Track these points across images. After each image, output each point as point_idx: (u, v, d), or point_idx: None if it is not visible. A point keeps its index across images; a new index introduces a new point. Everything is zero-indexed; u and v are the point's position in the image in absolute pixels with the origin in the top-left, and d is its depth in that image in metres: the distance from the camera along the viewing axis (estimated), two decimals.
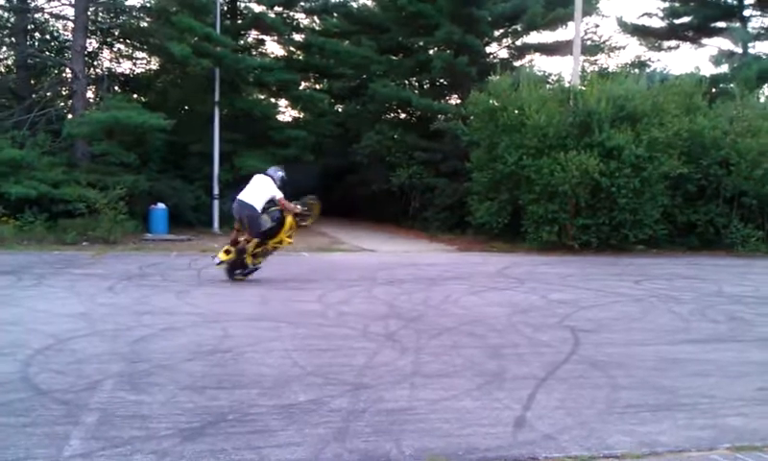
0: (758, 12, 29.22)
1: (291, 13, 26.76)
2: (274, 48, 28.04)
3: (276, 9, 25.47)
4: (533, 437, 4.56)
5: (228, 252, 11.13)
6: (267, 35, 26.77)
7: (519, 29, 25.54)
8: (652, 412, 5.08)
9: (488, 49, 25.98)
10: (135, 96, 24.19)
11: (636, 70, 25.20)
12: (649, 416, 4.99)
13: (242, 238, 11.07)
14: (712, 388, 5.74)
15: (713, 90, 23.12)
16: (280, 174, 11.67)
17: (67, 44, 23.00)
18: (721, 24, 29.26)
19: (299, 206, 11.57)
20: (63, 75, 23.64)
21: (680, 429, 4.76)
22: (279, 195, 11.26)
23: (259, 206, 11.08)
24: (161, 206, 19.44)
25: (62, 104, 23.26)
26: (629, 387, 5.67)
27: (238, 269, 11.22)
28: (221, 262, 11.15)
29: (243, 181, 21.77)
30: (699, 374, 6.19)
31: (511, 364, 6.32)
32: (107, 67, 25.19)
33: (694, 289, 11.53)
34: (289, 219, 11.40)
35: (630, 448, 4.42)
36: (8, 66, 24.51)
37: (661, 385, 5.76)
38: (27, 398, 5.09)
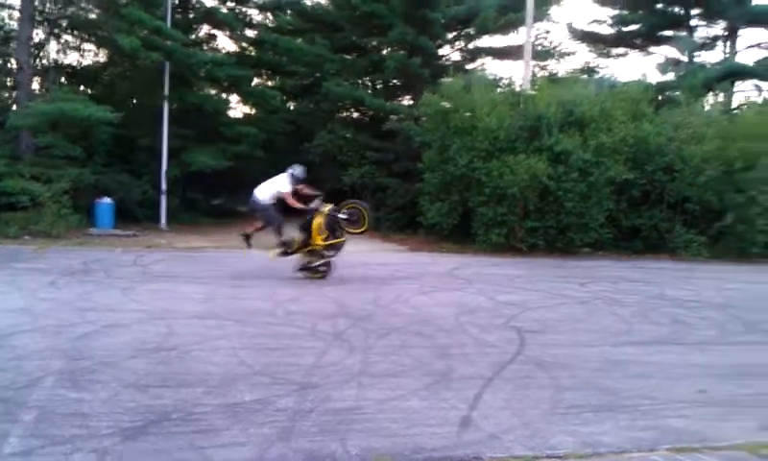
0: (704, 22, 30.01)
1: (244, 9, 26.46)
2: (226, 43, 27.68)
3: (229, 4, 25.19)
4: (478, 437, 4.62)
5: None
6: (219, 29, 26.42)
7: (472, 32, 25.69)
8: (595, 413, 5.18)
9: (441, 51, 26.10)
10: (82, 88, 23.64)
11: (585, 76, 25.61)
12: (592, 417, 5.09)
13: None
14: (654, 390, 5.87)
15: (660, 98, 23.63)
16: (294, 171, 11.99)
17: (13, 34, 22.36)
18: (668, 33, 29.93)
19: (298, 205, 11.62)
20: (8, 66, 22.99)
21: (622, 430, 4.87)
22: (285, 190, 11.63)
23: (262, 199, 11.66)
24: (107, 200, 19.02)
25: (7, 95, 22.61)
26: (573, 388, 5.77)
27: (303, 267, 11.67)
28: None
29: (191, 176, 21.81)
30: (641, 375, 6.33)
31: (458, 364, 6.37)
32: (53, 59, 24.55)
33: (638, 292, 11.77)
34: (317, 220, 11.42)
35: (572, 448, 4.50)
36: None
37: (604, 386, 5.87)
38: None
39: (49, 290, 9.56)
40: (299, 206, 11.59)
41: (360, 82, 26.74)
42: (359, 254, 16.17)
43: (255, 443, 4.34)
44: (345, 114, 27.53)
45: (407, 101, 26.06)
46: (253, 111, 27.36)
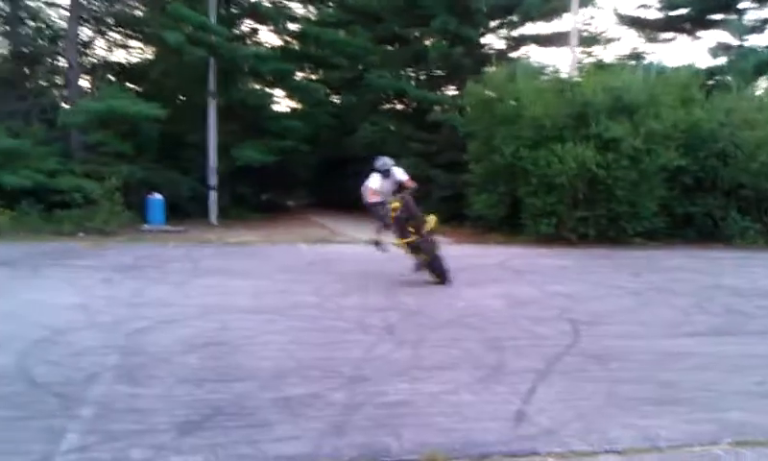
0: (754, 5, 29.17)
1: (286, 3, 26.63)
2: (269, 38, 27.89)
3: None
4: (533, 431, 4.55)
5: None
6: (262, 24, 26.61)
7: (515, 20, 25.42)
8: (653, 406, 5.06)
9: (484, 40, 25.84)
10: (130, 85, 24.02)
11: (633, 62, 25.14)
12: (649, 410, 4.98)
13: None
14: (712, 382, 5.72)
15: (710, 82, 23.07)
16: (377, 163, 11.14)
17: (61, 33, 22.83)
18: (717, 16, 29.20)
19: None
20: (58, 64, 23.50)
21: (681, 423, 4.75)
22: (374, 186, 10.97)
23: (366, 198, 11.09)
24: (157, 196, 19.31)
25: (57, 93, 23.12)
26: (628, 381, 5.65)
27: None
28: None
29: (239, 171, 22.03)
30: (698, 367, 6.18)
31: (510, 357, 6.29)
32: (101, 56, 25.02)
33: (692, 282, 11.50)
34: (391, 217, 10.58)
35: (631, 442, 4.41)
36: (2, 55, 24.32)
37: (661, 379, 5.74)
38: (23, 391, 5.07)
39: (103, 286, 9.74)
40: (371, 202, 10.96)
41: (403, 73, 26.64)
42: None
43: (309, 437, 4.34)
44: (388, 106, 27.51)
45: (451, 91, 25.87)
46: (298, 105, 27.49)
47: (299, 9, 27.44)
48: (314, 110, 25.94)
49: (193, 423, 4.53)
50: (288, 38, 27.21)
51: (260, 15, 25.13)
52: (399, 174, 10.90)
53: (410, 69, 26.73)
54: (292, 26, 26.91)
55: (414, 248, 10.55)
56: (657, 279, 11.79)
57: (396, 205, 10.40)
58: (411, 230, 10.43)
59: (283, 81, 25.05)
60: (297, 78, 26.19)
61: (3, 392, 5.00)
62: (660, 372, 5.95)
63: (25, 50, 22.60)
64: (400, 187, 10.80)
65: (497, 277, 11.65)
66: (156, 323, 7.39)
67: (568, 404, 5.03)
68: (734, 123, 18.12)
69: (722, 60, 27.24)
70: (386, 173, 10.84)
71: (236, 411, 4.75)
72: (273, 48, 25.75)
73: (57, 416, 4.58)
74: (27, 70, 23.48)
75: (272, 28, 26.81)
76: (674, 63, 22.04)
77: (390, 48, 26.40)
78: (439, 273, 10.57)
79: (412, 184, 10.80)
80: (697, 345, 7.05)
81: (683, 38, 31.46)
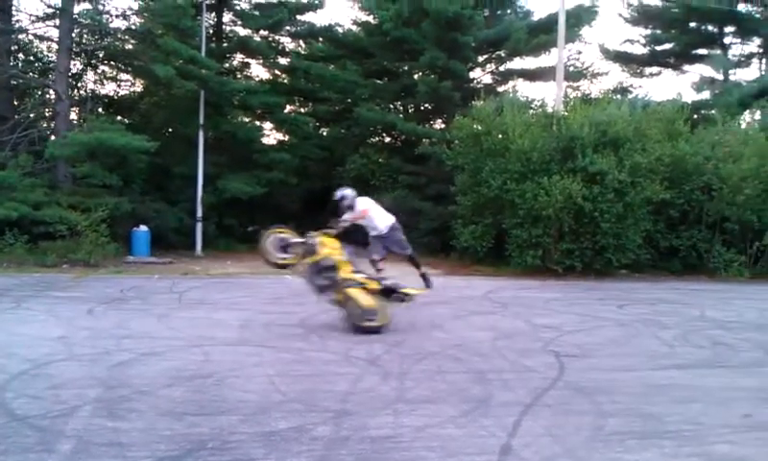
0: (738, 40, 29.71)
1: (276, 37, 26.81)
2: (259, 71, 28.08)
3: (262, 32, 25.52)
4: None
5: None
6: (252, 58, 26.82)
7: (503, 55, 25.74)
8: (638, 440, 5.02)
9: (472, 74, 26.14)
10: (119, 118, 24.07)
11: (619, 96, 25.43)
12: (635, 444, 4.94)
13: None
14: (698, 415, 5.69)
15: (695, 116, 23.35)
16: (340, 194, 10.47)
17: (51, 66, 22.89)
18: (702, 51, 29.68)
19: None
20: (47, 96, 23.52)
21: (666, 457, 4.71)
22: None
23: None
24: (143, 228, 19.28)
25: (45, 125, 23.10)
26: (615, 414, 5.62)
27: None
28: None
29: (226, 203, 22.00)
30: (684, 400, 6.15)
31: (496, 390, 6.26)
32: (90, 89, 25.09)
33: (678, 314, 11.52)
34: None
35: None
36: None
37: (647, 412, 5.71)
38: (2, 424, 4.98)
39: (86, 318, 9.65)
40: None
41: (392, 106, 26.89)
42: (392, 278, 16.13)
43: None
44: (377, 139, 27.70)
45: (439, 124, 26.07)
46: (287, 138, 27.59)
47: (288, 43, 27.65)
48: (302, 143, 26.04)
49: (174, 457, 4.45)
50: (278, 72, 27.42)
51: (250, 50, 25.34)
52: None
53: (398, 103, 26.97)
54: (282, 60, 27.12)
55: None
56: (642, 311, 11.82)
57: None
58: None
59: (272, 114, 25.22)
60: (286, 111, 26.33)
61: None
62: (647, 405, 5.92)
63: (14, 82, 22.61)
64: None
65: (483, 309, 11.64)
66: (140, 355, 7.32)
67: (555, 438, 4.98)
68: (719, 156, 18.32)
69: (707, 95, 27.64)
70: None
71: (219, 445, 4.68)
72: (262, 82, 25.94)
73: (34, 450, 4.50)
74: (16, 102, 23.48)
75: (261, 62, 27.00)
76: (659, 98, 22.35)
77: (379, 82, 26.63)
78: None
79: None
80: (683, 377, 7.03)
81: (668, 73, 32.02)
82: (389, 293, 9.22)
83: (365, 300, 8.93)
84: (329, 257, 9.17)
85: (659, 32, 30.49)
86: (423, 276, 10.38)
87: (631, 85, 30.18)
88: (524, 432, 5.09)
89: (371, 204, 10.57)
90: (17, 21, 22.67)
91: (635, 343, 8.89)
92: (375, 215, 10.50)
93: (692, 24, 29.49)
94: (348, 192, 10.40)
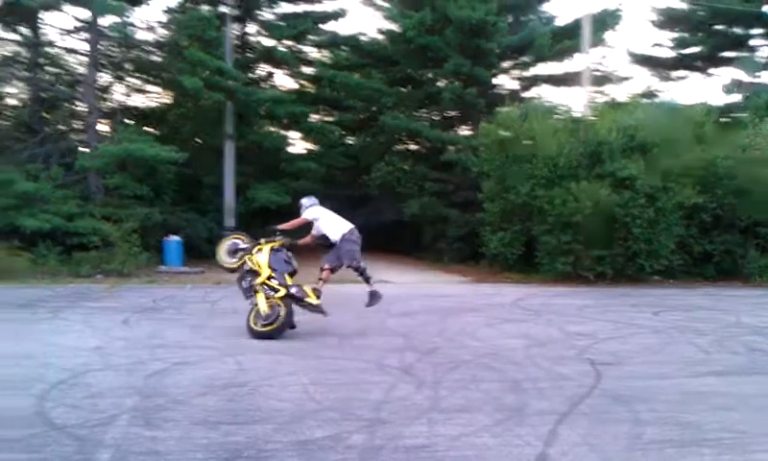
0: (766, 42, 29.26)
1: (301, 47, 26.96)
2: (284, 81, 28.25)
3: (287, 42, 25.66)
4: None
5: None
6: (278, 68, 26.97)
7: (527, 60, 25.62)
8: (677, 448, 4.96)
9: (496, 80, 26.05)
10: (148, 129, 24.31)
11: (646, 100, 25.19)
12: (674, 452, 4.88)
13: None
14: (737, 422, 5.61)
15: (725, 120, 23.03)
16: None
17: (80, 78, 23.21)
18: (730, 54, 29.29)
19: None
20: (76, 108, 23.84)
21: None
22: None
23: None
24: (175, 238, 19.46)
25: (75, 137, 23.39)
26: (652, 422, 5.55)
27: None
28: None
29: (255, 212, 22.13)
30: (723, 407, 6.06)
31: (531, 398, 6.21)
32: (119, 101, 25.38)
33: (713, 320, 11.36)
34: None
35: None
36: (21, 100, 24.71)
37: (685, 420, 5.64)
38: (41, 433, 5.05)
39: (121, 328, 9.76)
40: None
41: (417, 114, 26.86)
42: (421, 285, 16.16)
43: None
44: (402, 147, 27.69)
45: (464, 131, 26.02)
46: (313, 147, 27.70)
47: (313, 52, 27.77)
48: (329, 152, 26.13)
49: None
50: (303, 82, 27.54)
51: (276, 60, 25.47)
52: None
53: (423, 110, 26.93)
54: (307, 69, 27.26)
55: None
56: (677, 317, 11.68)
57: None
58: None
59: (298, 123, 25.31)
60: (312, 120, 26.43)
61: (21, 435, 4.98)
62: (685, 412, 5.84)
63: (44, 95, 22.96)
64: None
65: (514, 316, 11.57)
66: (174, 364, 7.38)
67: (592, 447, 4.93)
68: (751, 159, 18.05)
69: (736, 97, 27.24)
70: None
71: (254, 454, 4.70)
72: (288, 91, 26.04)
73: (73, 459, 4.56)
74: (46, 115, 23.84)
75: (287, 71, 27.16)
76: (687, 101, 22.09)
77: (403, 90, 26.63)
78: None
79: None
80: (721, 384, 6.93)
81: (695, 76, 31.56)
82: (296, 300, 9.31)
83: (263, 305, 9.14)
84: (249, 262, 9.48)
85: (685, 35, 30.17)
86: (371, 293, 10.20)
87: (658, 89, 29.92)
88: (560, 441, 5.05)
89: (322, 212, 10.38)
90: (46, 35, 23.03)
91: (670, 350, 8.78)
92: (325, 224, 10.21)
93: (719, 27, 29.11)
94: (303, 200, 10.56)
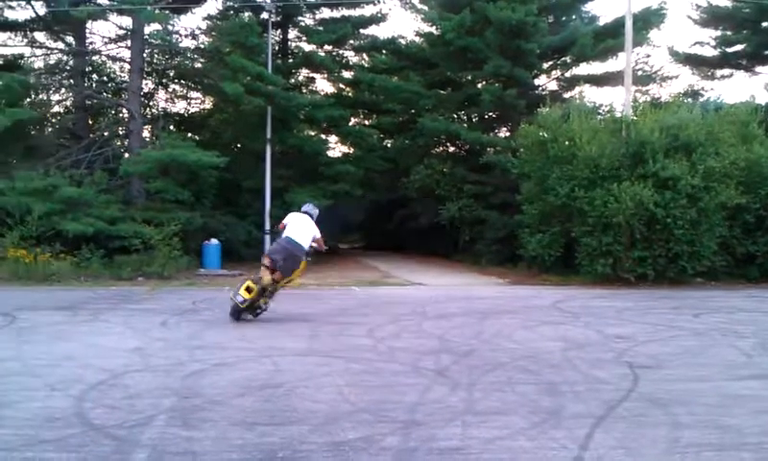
0: None
1: (340, 51, 27.16)
2: (324, 85, 28.50)
3: (326, 47, 25.89)
4: None
5: (249, 289, 10.38)
6: (317, 73, 27.21)
7: (569, 61, 25.40)
8: (716, 452, 4.85)
9: (536, 81, 25.90)
10: (190, 135, 24.71)
11: (690, 99, 24.79)
12: (712, 456, 4.77)
13: (269, 276, 10.55)
14: None
15: None
16: (313, 211, 11.27)
17: (124, 85, 23.69)
18: None
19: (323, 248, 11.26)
20: (120, 115, 24.33)
21: None
22: (318, 234, 11.00)
23: (306, 246, 10.77)
24: (214, 241, 19.74)
25: (119, 143, 23.89)
26: (691, 426, 5.44)
27: (250, 310, 10.67)
28: (244, 301, 10.36)
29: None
30: (764, 411, 5.92)
31: (567, 401, 6.14)
32: (162, 107, 25.91)
33: (755, 322, 11.12)
34: (304, 261, 10.98)
35: None
36: (67, 107, 25.32)
37: (725, 423, 5.52)
38: (80, 433, 5.13)
39: (160, 330, 9.91)
40: (324, 249, 11.27)
41: (455, 116, 26.82)
42: (458, 288, 16.11)
43: None
44: (441, 149, 27.70)
45: (503, 133, 25.90)
46: (352, 150, 27.86)
47: (352, 57, 27.94)
48: (367, 155, 26.25)
49: None
50: (342, 86, 27.73)
51: (315, 64, 25.71)
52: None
53: (462, 112, 26.89)
54: (346, 73, 27.42)
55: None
56: (719, 319, 11.46)
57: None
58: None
59: (337, 127, 25.49)
60: (350, 124, 26.59)
61: (60, 435, 5.08)
62: (724, 416, 5.72)
63: (89, 102, 23.47)
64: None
65: (552, 319, 11.44)
66: (212, 365, 7.46)
67: (628, 451, 4.86)
68: None
69: None
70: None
71: (289, 455, 4.73)
72: (327, 95, 26.27)
73: (111, 459, 4.62)
74: (90, 121, 24.39)
75: (326, 76, 27.36)
76: (732, 100, 21.66)
77: (442, 92, 26.61)
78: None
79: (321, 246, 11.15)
80: (762, 388, 6.77)
81: (740, 75, 30.99)
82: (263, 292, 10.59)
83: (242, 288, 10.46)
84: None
85: (729, 33, 29.62)
86: (259, 305, 10.75)
87: (702, 88, 29.43)
88: (597, 445, 4.97)
89: (290, 218, 11.15)
90: (91, 43, 23.56)
91: (711, 353, 8.60)
92: (288, 229, 10.84)
93: (764, 24, 28.51)
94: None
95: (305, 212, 11.16)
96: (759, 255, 17.81)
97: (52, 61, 24.11)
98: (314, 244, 10.94)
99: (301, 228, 10.83)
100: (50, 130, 25.29)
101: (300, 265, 10.91)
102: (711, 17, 29.85)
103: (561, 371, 7.39)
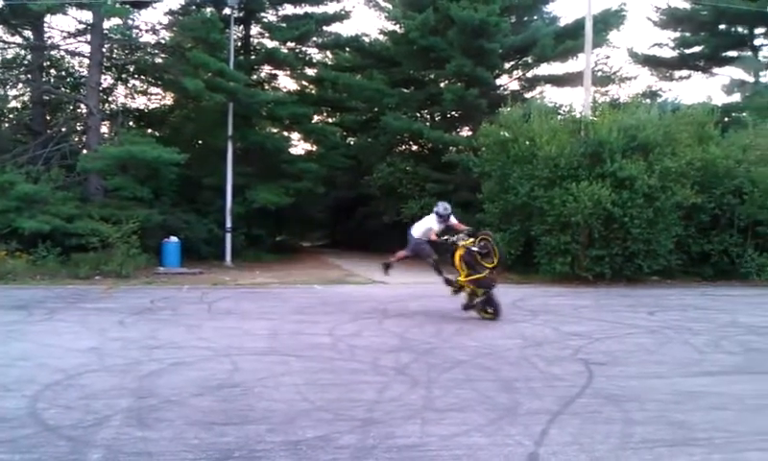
0: None
1: (303, 49, 27.01)
2: (287, 82, 28.32)
3: (289, 44, 25.73)
4: None
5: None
6: (280, 69, 27.04)
7: (530, 61, 25.62)
8: (668, 447, 4.96)
9: (498, 81, 26.07)
10: (150, 131, 24.38)
11: (648, 100, 25.18)
12: (665, 452, 4.88)
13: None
14: (730, 422, 5.61)
15: (726, 119, 23.03)
16: (438, 209, 11.70)
17: (82, 80, 23.27)
18: (732, 53, 29.28)
19: (452, 239, 11.24)
20: (78, 110, 23.90)
21: None
22: (435, 227, 11.53)
23: (416, 235, 11.71)
24: (174, 239, 19.51)
25: (77, 139, 23.45)
26: (644, 422, 5.55)
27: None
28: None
29: (255, 213, 22.22)
30: (715, 407, 6.06)
31: (524, 398, 6.22)
32: (121, 103, 25.47)
33: (709, 320, 11.38)
34: (456, 256, 11.13)
35: None
36: (24, 103, 24.81)
37: (677, 419, 5.64)
38: (34, 434, 5.07)
39: (117, 329, 9.79)
40: (436, 239, 11.53)
41: (418, 114, 26.89)
42: (420, 286, 16.12)
43: None
44: (404, 147, 27.73)
45: (465, 132, 26.03)
46: (314, 148, 27.78)
47: (315, 54, 27.83)
48: (330, 153, 26.20)
49: None
50: (305, 83, 27.61)
51: (277, 61, 25.55)
52: (452, 219, 11.73)
53: (425, 111, 26.96)
54: (309, 71, 27.31)
55: (477, 284, 10.91)
56: (673, 317, 11.69)
57: (468, 243, 10.99)
58: (487, 265, 10.89)
59: (300, 124, 25.41)
60: (313, 121, 26.49)
61: (13, 435, 5.00)
62: (676, 412, 5.85)
63: (47, 97, 23.02)
64: (451, 230, 11.55)
65: (512, 316, 11.54)
66: (169, 365, 7.40)
67: (582, 447, 4.94)
68: (751, 160, 18.07)
69: (737, 97, 27.24)
70: (446, 217, 11.54)
71: (246, 454, 4.72)
72: (290, 92, 26.11)
73: (65, 460, 4.57)
74: (48, 117, 23.91)
75: (289, 73, 27.21)
76: (689, 101, 22.08)
77: (405, 91, 26.64)
78: (494, 309, 10.91)
79: (463, 227, 11.67)
80: (714, 384, 6.93)
81: (697, 76, 31.58)
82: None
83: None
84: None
85: (688, 35, 30.16)
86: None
87: (660, 89, 29.90)
88: (551, 441, 5.05)
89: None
90: (49, 37, 23.09)
91: (665, 350, 8.78)
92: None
93: (722, 26, 29.11)
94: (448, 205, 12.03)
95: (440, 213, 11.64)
96: (714, 254, 18.18)
97: (9, 56, 23.61)
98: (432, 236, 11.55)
99: (420, 223, 12.01)
100: (6, 125, 24.79)
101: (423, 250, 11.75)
102: (670, 19, 30.35)
103: (518, 368, 7.49)
